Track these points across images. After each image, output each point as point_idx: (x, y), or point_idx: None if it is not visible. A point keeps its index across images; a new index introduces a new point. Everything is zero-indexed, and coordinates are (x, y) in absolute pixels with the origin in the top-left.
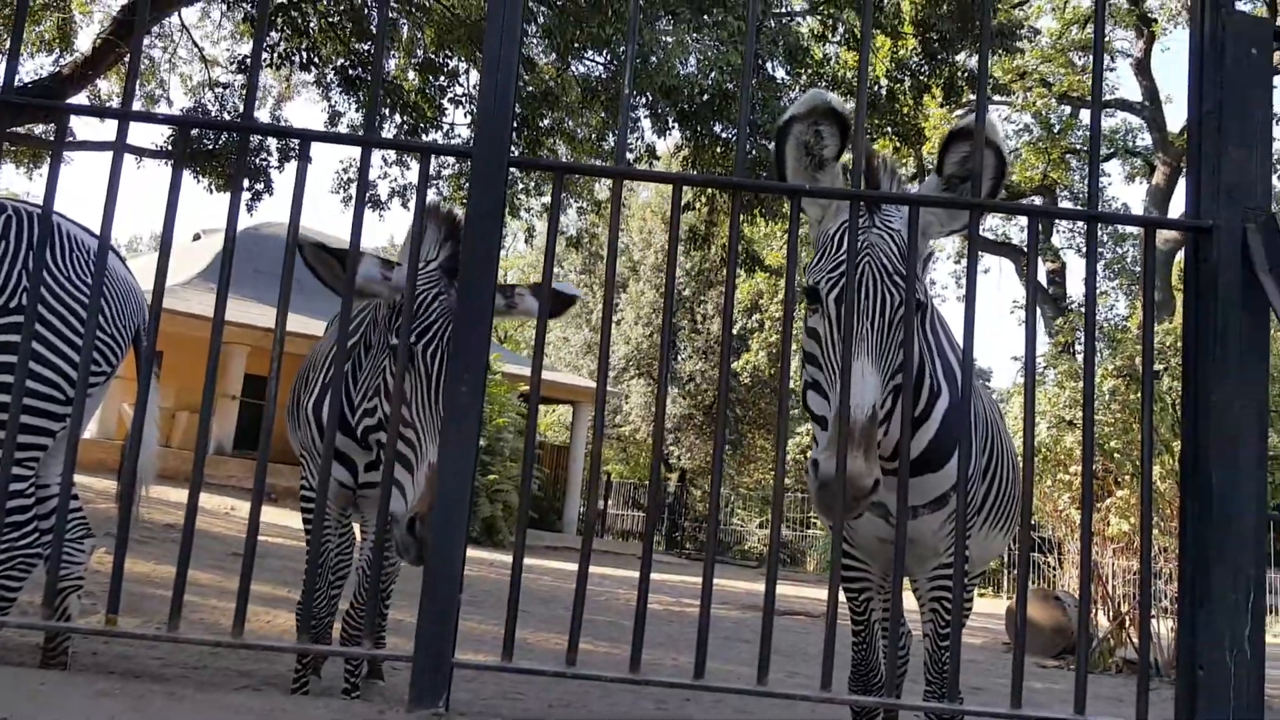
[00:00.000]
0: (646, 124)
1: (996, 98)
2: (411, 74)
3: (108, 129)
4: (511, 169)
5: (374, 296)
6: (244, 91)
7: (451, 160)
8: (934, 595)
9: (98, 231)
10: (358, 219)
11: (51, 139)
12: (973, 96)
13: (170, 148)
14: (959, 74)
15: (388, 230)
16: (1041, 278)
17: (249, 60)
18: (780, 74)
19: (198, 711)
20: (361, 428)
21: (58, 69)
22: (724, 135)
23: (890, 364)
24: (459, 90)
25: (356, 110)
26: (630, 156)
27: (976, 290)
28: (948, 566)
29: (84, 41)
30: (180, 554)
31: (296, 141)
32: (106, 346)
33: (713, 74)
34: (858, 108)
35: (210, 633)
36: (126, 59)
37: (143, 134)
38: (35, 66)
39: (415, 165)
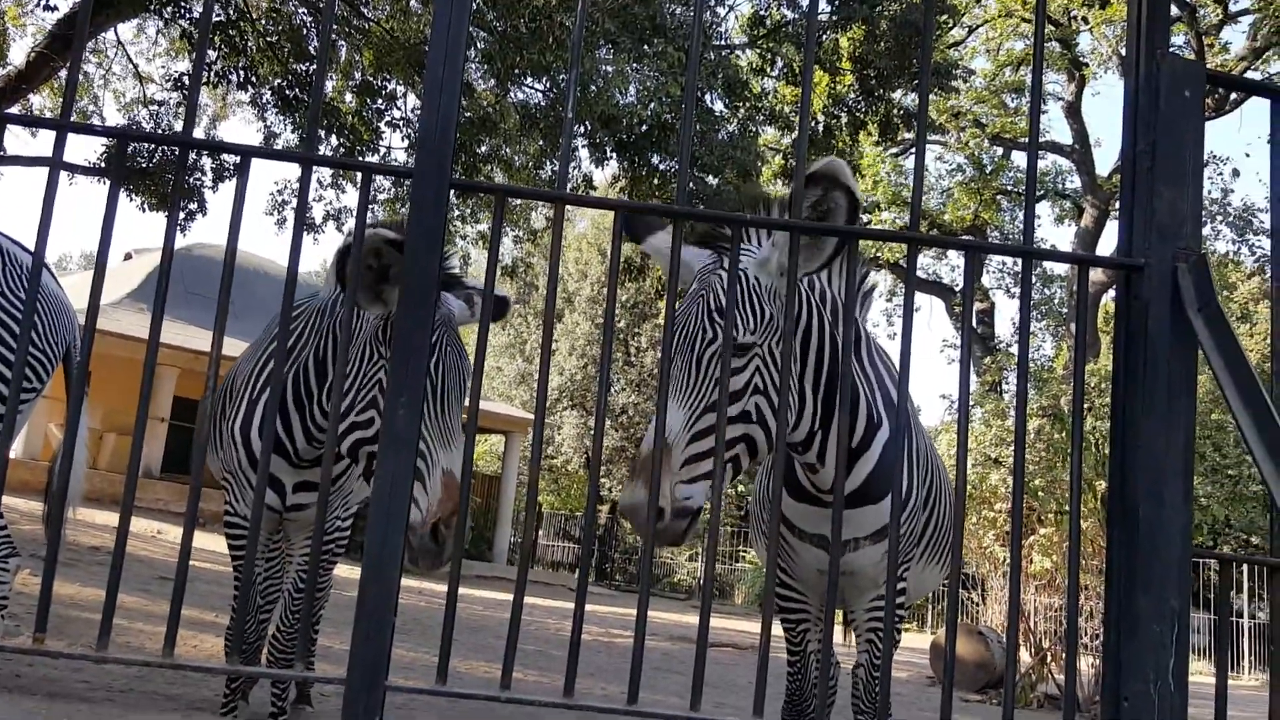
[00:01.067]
0: (584, 153)
1: (931, 136)
2: (349, 96)
3: (39, 144)
4: (451, 191)
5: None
6: (179, 109)
7: (388, 183)
8: (871, 627)
9: (30, 248)
10: (297, 237)
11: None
12: (908, 135)
13: (104, 164)
14: (895, 111)
15: (322, 253)
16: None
17: (187, 77)
18: (719, 106)
19: None
20: (351, 441)
21: None
22: (662, 167)
23: (703, 399)
24: (396, 114)
25: (293, 131)
26: (568, 186)
27: (912, 322)
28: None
29: (16, 55)
30: (110, 576)
31: (236, 159)
32: (37, 363)
33: (652, 104)
34: (798, 142)
35: (137, 656)
36: (61, 74)
37: (74, 150)
38: None
39: (352, 189)
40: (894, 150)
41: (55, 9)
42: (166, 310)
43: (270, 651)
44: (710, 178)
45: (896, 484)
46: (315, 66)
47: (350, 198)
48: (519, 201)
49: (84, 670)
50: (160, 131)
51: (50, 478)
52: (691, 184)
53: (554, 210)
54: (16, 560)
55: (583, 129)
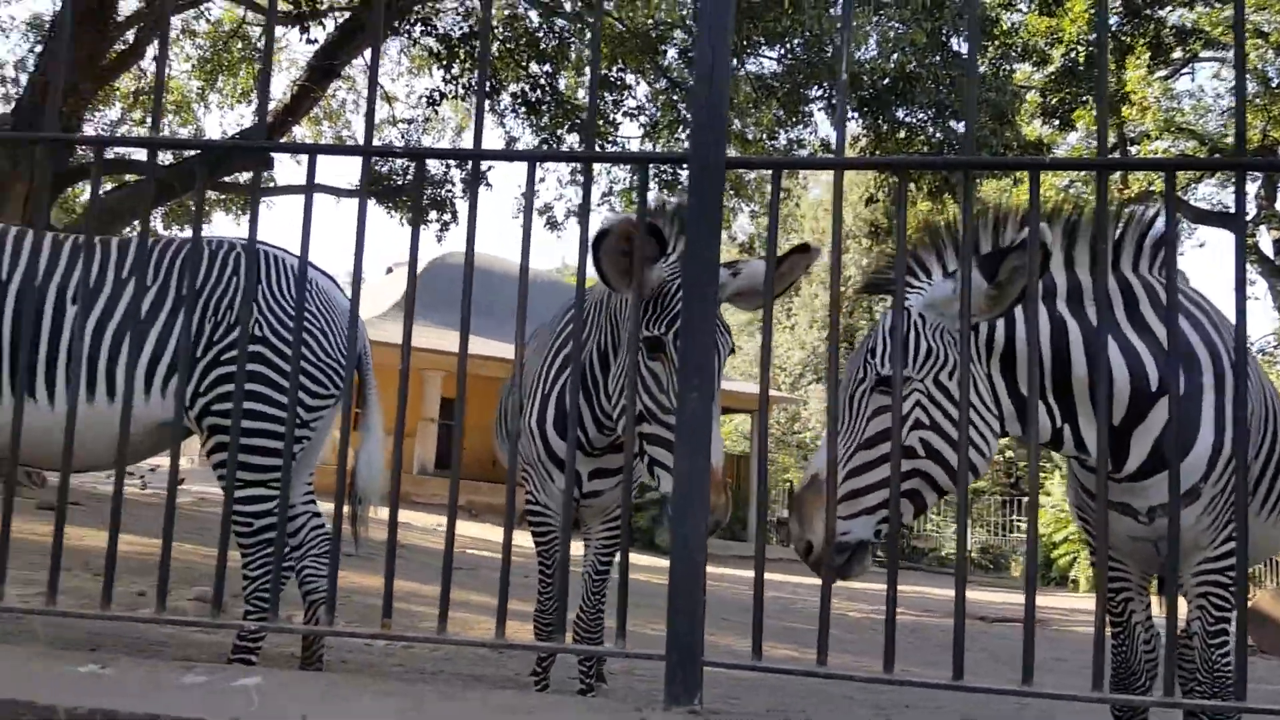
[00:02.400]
0: (821, 116)
1: (1206, 53)
2: (581, 92)
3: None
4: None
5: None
6: (426, 124)
7: (622, 172)
8: (1201, 592)
9: (304, 264)
10: (584, 235)
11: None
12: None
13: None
14: (1165, 31)
15: (560, 251)
16: (1267, 246)
17: (436, 93)
18: (966, 48)
19: (472, 709)
20: (623, 425)
21: (258, 118)
22: (908, 120)
23: (856, 435)
24: (631, 103)
25: (533, 134)
26: (804, 152)
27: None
28: (1214, 560)
29: (278, 89)
30: (444, 569)
31: (487, 165)
32: (331, 370)
33: (895, 56)
34: (1098, 81)
35: (471, 638)
36: (321, 103)
37: (338, 174)
38: (236, 117)
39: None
40: (1163, 73)
41: (316, 41)
42: (425, 316)
43: (575, 632)
44: (962, 124)
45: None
46: (553, 68)
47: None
48: (752, 174)
49: (395, 654)
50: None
51: (350, 479)
52: (939, 133)
53: (834, 177)
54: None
55: (820, 90)
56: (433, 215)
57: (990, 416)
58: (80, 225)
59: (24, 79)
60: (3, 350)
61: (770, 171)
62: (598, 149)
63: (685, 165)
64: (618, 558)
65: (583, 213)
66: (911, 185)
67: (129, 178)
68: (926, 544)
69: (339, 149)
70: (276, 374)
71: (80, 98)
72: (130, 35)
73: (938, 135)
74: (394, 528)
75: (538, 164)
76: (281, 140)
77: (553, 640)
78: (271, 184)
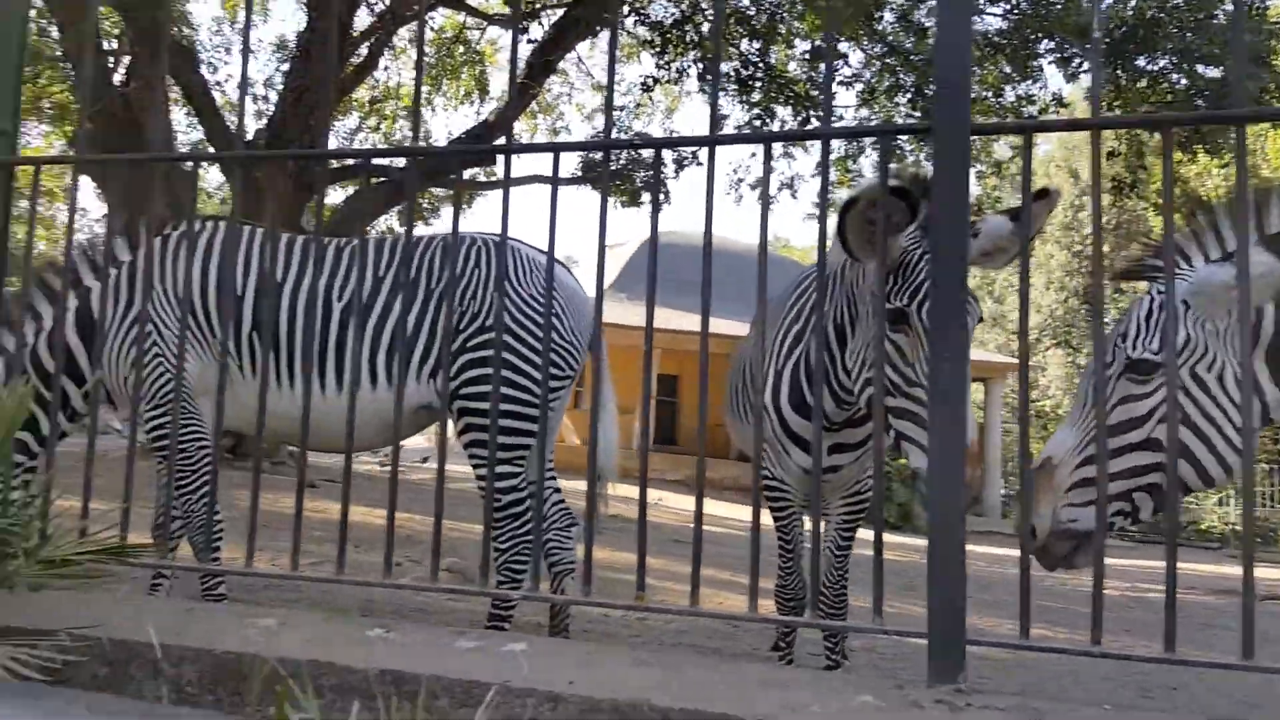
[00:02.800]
0: (1051, 70)
1: None
2: (793, 65)
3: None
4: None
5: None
6: (638, 110)
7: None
8: None
9: (551, 258)
10: (822, 216)
11: (479, 180)
12: None
13: (582, 173)
14: None
15: (774, 225)
16: None
17: (651, 79)
18: None
19: (729, 676)
20: (867, 395)
21: (481, 118)
22: (1149, 68)
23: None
24: (847, 71)
25: (744, 110)
26: (1034, 109)
27: None
28: None
29: (497, 88)
30: (694, 545)
31: (698, 150)
32: (567, 353)
33: (1134, 2)
34: None
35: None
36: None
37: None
38: (460, 119)
39: (805, 157)
40: None
41: (534, 41)
42: (643, 296)
43: (818, 609)
44: (1211, 69)
45: None
46: (763, 44)
47: (801, 164)
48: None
49: (630, 625)
50: (622, 134)
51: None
52: (1184, 79)
53: (1091, 138)
54: (577, 529)
55: (1049, 44)
56: (645, 197)
57: (1241, 413)
58: (330, 228)
59: (273, 95)
60: (280, 344)
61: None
62: (814, 120)
63: (929, 134)
64: (858, 533)
65: (822, 190)
66: (1157, 136)
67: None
68: (1185, 516)
69: (581, 145)
70: (518, 358)
71: (323, 110)
72: (364, 49)
73: (1183, 82)
74: (644, 507)
75: (771, 144)
76: (499, 138)
77: (800, 616)
78: (493, 177)
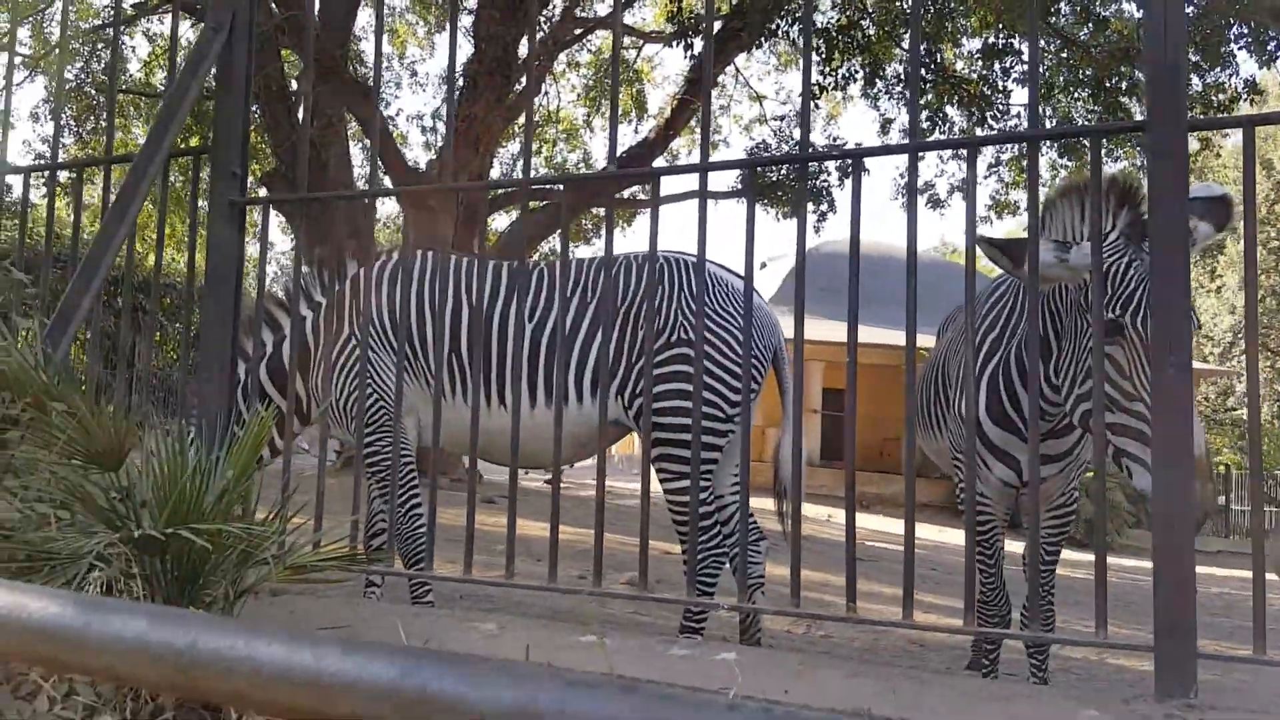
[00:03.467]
0: (1242, 55)
1: None
2: (960, 64)
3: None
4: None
5: (1056, 279)
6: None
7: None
8: None
9: (749, 280)
10: (1034, 219)
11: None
12: None
13: (739, 187)
14: None
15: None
16: None
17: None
18: None
19: (945, 690)
20: (1080, 411)
21: (641, 136)
22: None
23: None
24: (1020, 69)
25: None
26: (1223, 96)
27: None
28: None
29: (653, 105)
30: (905, 566)
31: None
32: (754, 367)
33: None
34: None
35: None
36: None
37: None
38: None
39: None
40: None
41: (696, 57)
42: (808, 307)
43: (1022, 619)
44: None
45: None
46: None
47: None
48: None
49: (816, 642)
50: (784, 144)
51: (774, 471)
52: None
53: None
54: (766, 543)
55: (1241, 29)
56: (809, 206)
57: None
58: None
59: (440, 126)
60: (463, 363)
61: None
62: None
63: (1142, 133)
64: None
65: (1031, 196)
66: None
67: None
68: None
69: (776, 159)
70: (706, 375)
71: (490, 135)
72: (524, 77)
73: None
74: (851, 524)
75: (977, 149)
76: (662, 155)
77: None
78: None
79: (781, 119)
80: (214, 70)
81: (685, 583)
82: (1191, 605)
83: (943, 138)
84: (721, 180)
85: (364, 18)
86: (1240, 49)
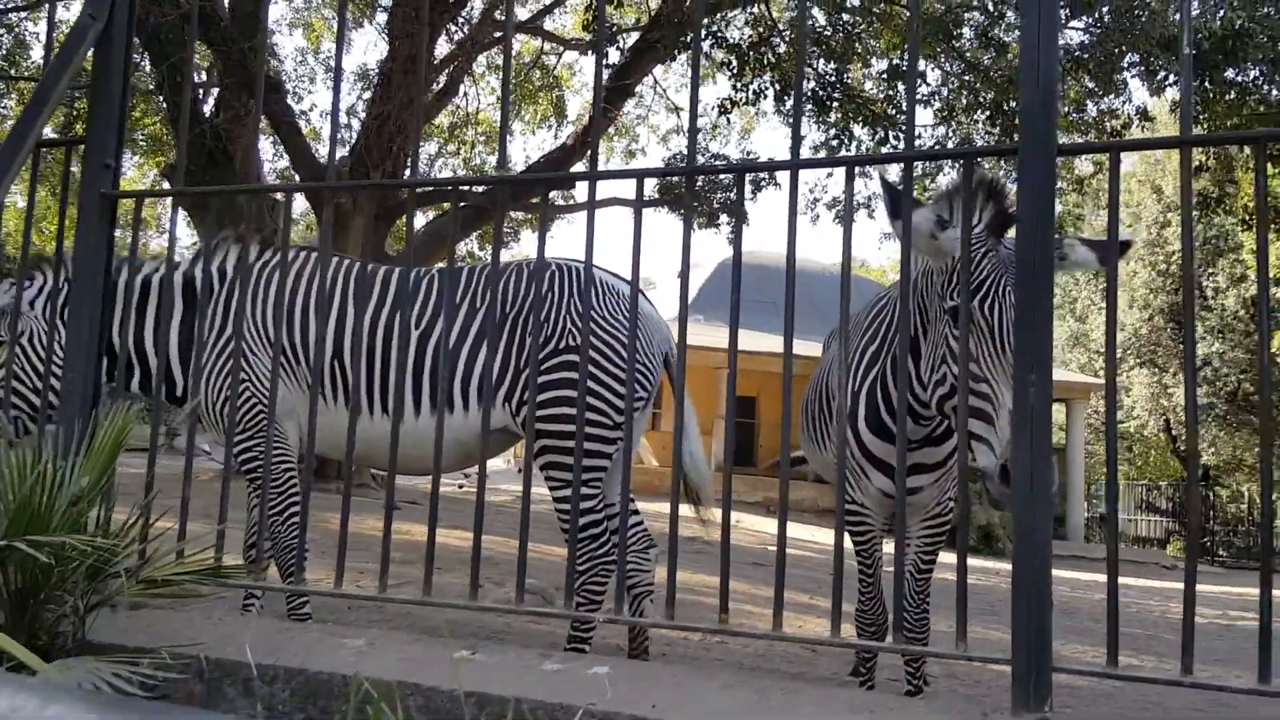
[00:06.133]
0: (1136, 84)
1: None
2: (869, 84)
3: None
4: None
5: (924, 252)
6: (715, 131)
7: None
8: None
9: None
10: (906, 235)
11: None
12: None
13: (659, 196)
14: None
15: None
16: None
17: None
18: None
19: (816, 700)
20: (935, 398)
21: (561, 140)
22: (1238, 80)
23: None
24: (924, 89)
25: (821, 131)
26: (1117, 123)
27: None
28: None
29: (573, 111)
30: (778, 571)
31: (783, 173)
32: (643, 375)
33: (1221, 13)
34: None
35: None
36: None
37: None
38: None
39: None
40: None
41: (611, 66)
42: (722, 316)
43: (900, 634)
44: None
45: None
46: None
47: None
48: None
49: (713, 648)
50: (701, 156)
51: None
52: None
53: (1180, 154)
54: (656, 550)
55: (1133, 58)
56: (723, 219)
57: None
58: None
59: (355, 123)
60: (360, 373)
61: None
62: (893, 140)
63: (1013, 156)
64: (939, 557)
65: (905, 214)
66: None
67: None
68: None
69: (665, 171)
70: (595, 382)
71: (406, 137)
72: (443, 77)
73: (1274, 93)
74: (727, 524)
75: (855, 167)
76: (580, 160)
77: (881, 640)
78: (572, 201)
79: (699, 131)
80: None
81: (582, 592)
82: (1048, 617)
83: (820, 156)
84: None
85: (276, 12)
86: (1133, 77)
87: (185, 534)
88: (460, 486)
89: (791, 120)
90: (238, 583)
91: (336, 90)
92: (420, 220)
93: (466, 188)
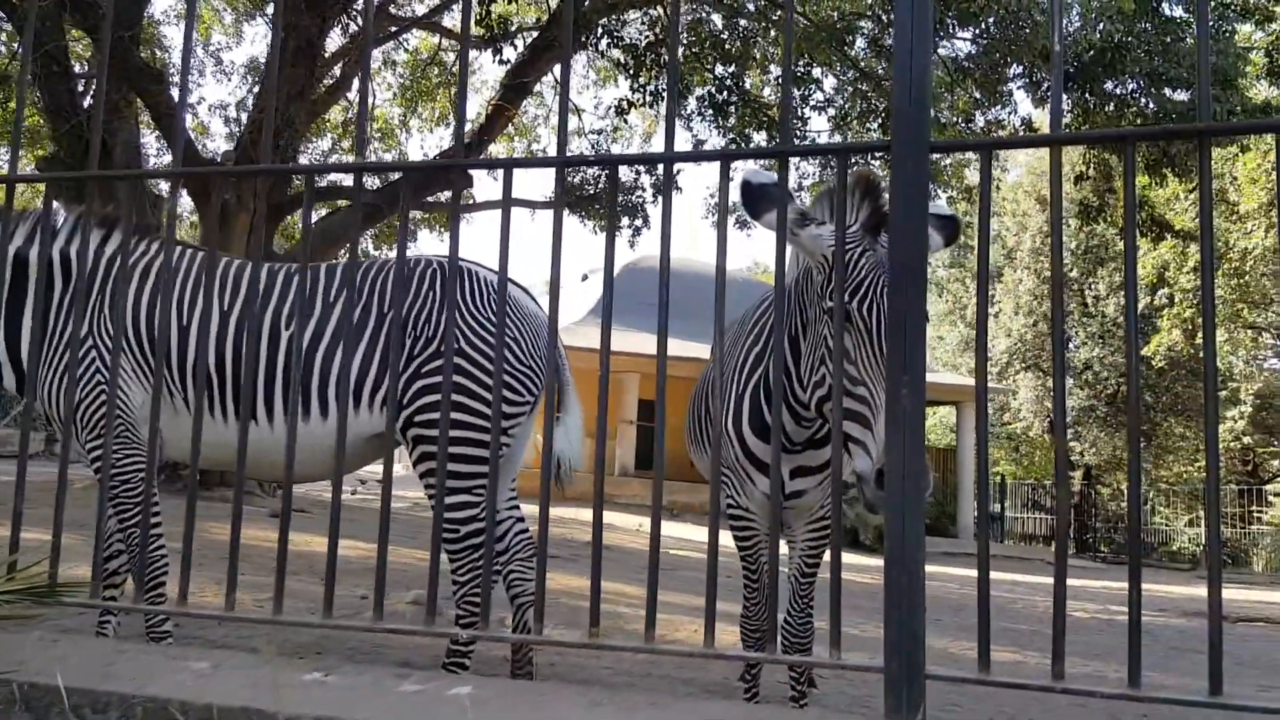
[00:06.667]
0: (1020, 95)
1: None
2: (767, 90)
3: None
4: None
5: (790, 244)
6: (616, 133)
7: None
8: None
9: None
10: (781, 230)
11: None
12: None
13: (551, 197)
14: None
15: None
16: None
17: (626, 103)
18: (1179, 11)
19: (686, 716)
20: (814, 400)
21: (455, 140)
22: (1117, 92)
23: None
24: (819, 97)
25: (720, 135)
26: (1003, 133)
27: None
28: None
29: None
30: (649, 576)
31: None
32: (526, 377)
33: (1101, 26)
34: None
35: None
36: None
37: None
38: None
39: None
40: None
41: (508, 62)
42: (620, 320)
43: (784, 638)
44: (1178, 92)
45: None
46: (738, 69)
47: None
48: (949, 159)
49: (602, 658)
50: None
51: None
52: (1153, 104)
53: (1050, 154)
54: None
55: (1018, 69)
56: (625, 221)
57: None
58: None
59: (244, 117)
60: (226, 376)
61: (977, 154)
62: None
63: (887, 153)
64: (825, 558)
65: (781, 205)
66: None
67: (341, 203)
68: (1156, 538)
69: (534, 161)
70: (475, 384)
71: (294, 130)
72: (337, 70)
73: (1151, 106)
74: (599, 532)
75: (730, 162)
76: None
77: (763, 648)
78: (470, 200)
79: (599, 133)
80: None
81: (463, 604)
82: (921, 624)
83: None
84: (535, 190)
85: (164, 3)
86: (1019, 88)
87: (18, 546)
88: (354, 492)
89: (688, 122)
90: (69, 601)
91: (185, 60)
92: (313, 217)
93: (364, 184)
